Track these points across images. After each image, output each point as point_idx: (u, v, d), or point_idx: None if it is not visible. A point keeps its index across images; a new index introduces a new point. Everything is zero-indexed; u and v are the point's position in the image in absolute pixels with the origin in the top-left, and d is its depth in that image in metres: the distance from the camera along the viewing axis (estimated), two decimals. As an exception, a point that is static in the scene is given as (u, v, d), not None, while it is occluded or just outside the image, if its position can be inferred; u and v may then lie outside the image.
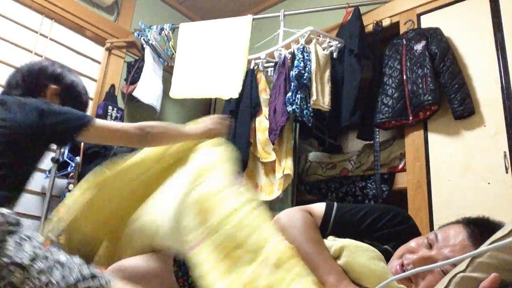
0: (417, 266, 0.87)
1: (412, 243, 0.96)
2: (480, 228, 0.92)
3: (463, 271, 0.70)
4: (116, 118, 2.86)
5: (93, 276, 0.96)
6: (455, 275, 0.70)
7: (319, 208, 1.08)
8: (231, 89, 2.56)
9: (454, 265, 0.76)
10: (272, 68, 2.70)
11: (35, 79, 1.35)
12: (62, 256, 1.00)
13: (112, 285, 0.99)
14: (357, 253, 0.91)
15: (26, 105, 1.20)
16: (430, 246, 0.93)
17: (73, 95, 1.42)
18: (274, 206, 2.76)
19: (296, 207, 1.09)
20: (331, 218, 1.05)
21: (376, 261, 0.89)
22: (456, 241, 0.90)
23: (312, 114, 2.32)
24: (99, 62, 3.06)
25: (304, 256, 0.92)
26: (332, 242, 0.97)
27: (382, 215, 1.06)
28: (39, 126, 1.17)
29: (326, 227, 1.04)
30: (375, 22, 2.54)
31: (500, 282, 0.66)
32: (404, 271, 0.89)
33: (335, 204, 1.09)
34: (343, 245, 0.93)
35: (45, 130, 1.18)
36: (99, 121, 1.23)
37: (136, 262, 1.24)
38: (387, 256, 0.99)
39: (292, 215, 1.03)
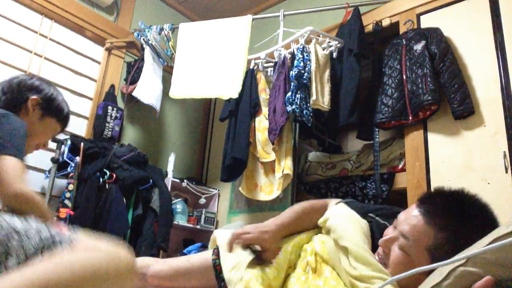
0: (384, 247, 0.98)
1: (388, 229, 1.04)
2: (429, 198, 0.98)
3: (464, 265, 0.70)
4: (116, 118, 2.86)
5: (53, 240, 0.90)
6: (455, 268, 0.70)
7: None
8: (231, 89, 2.56)
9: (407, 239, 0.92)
10: (272, 68, 2.70)
11: (15, 92, 1.38)
12: (18, 222, 0.90)
13: (74, 244, 0.92)
14: (344, 219, 1.07)
15: None
16: (395, 228, 1.00)
17: (52, 106, 1.44)
18: (274, 206, 2.76)
19: None
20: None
21: (360, 233, 1.03)
22: (408, 216, 0.96)
23: (311, 114, 2.32)
24: (98, 62, 3.05)
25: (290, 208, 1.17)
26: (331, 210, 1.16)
27: (382, 207, 1.19)
28: None
29: None
30: (374, 22, 2.54)
31: (494, 283, 0.66)
32: (379, 256, 0.99)
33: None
34: (335, 218, 1.09)
35: None
36: (9, 159, 1.19)
37: (179, 260, 1.35)
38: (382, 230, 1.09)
39: (315, 200, 1.23)
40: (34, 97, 1.38)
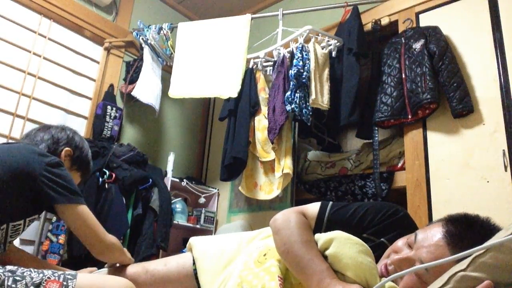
0: (396, 266, 0.93)
1: (399, 242, 0.99)
2: (458, 227, 0.92)
3: (464, 270, 0.69)
4: (115, 118, 2.86)
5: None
6: (456, 273, 0.70)
7: (313, 208, 1.12)
8: (230, 88, 2.56)
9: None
10: (271, 67, 2.70)
11: (55, 141, 1.42)
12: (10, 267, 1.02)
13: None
14: (346, 245, 0.93)
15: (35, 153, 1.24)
16: (410, 247, 0.95)
17: (80, 160, 1.48)
18: (273, 205, 2.76)
19: (292, 208, 1.13)
20: (325, 217, 1.10)
21: (364, 255, 0.92)
22: (432, 242, 0.91)
23: (311, 113, 2.32)
24: (97, 62, 3.05)
25: (294, 257, 0.97)
26: (322, 234, 1.00)
27: (370, 210, 1.10)
28: (35, 175, 1.17)
29: (321, 226, 1.09)
30: (373, 20, 2.54)
31: (494, 287, 0.66)
32: (387, 271, 0.95)
33: (330, 203, 1.13)
34: (333, 237, 0.96)
35: (38, 178, 1.17)
36: (79, 207, 1.22)
37: (156, 264, 1.30)
38: (384, 249, 1.03)
39: (287, 216, 1.07)
40: (68, 148, 1.42)
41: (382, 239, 1.07)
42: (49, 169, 1.20)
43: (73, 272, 1.08)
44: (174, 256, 1.35)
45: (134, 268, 1.31)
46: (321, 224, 1.09)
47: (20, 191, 1.16)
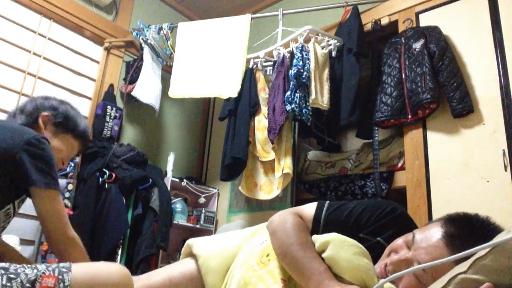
0: (395, 267, 0.92)
1: (398, 241, 0.98)
2: (457, 228, 0.91)
3: (465, 272, 0.69)
4: (115, 118, 2.86)
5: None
6: (456, 275, 0.70)
7: (310, 209, 1.11)
8: (230, 88, 2.56)
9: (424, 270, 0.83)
10: (271, 67, 2.70)
11: (29, 111, 1.38)
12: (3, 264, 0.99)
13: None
14: (342, 248, 0.93)
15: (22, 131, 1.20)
16: (408, 247, 0.94)
17: (64, 122, 1.41)
18: (273, 205, 2.76)
19: (288, 209, 1.12)
20: (322, 219, 1.08)
21: (360, 257, 0.91)
22: (430, 243, 0.90)
23: (311, 113, 2.32)
24: (97, 62, 3.05)
25: (290, 259, 0.96)
26: (318, 236, 0.99)
27: (367, 209, 1.09)
28: (13, 154, 1.13)
29: (318, 228, 1.08)
30: (373, 20, 2.54)
31: None
32: (387, 271, 0.94)
33: (326, 203, 1.12)
34: (329, 239, 0.95)
35: (17, 158, 1.13)
36: (54, 194, 1.16)
37: (161, 284, 1.23)
38: (380, 249, 1.02)
39: (283, 217, 1.06)
40: (44, 113, 1.36)
41: (378, 239, 1.06)
42: (28, 148, 1.15)
43: (67, 264, 1.04)
44: (175, 267, 1.28)
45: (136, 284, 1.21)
46: (318, 225, 1.08)
47: (2, 172, 1.13)
